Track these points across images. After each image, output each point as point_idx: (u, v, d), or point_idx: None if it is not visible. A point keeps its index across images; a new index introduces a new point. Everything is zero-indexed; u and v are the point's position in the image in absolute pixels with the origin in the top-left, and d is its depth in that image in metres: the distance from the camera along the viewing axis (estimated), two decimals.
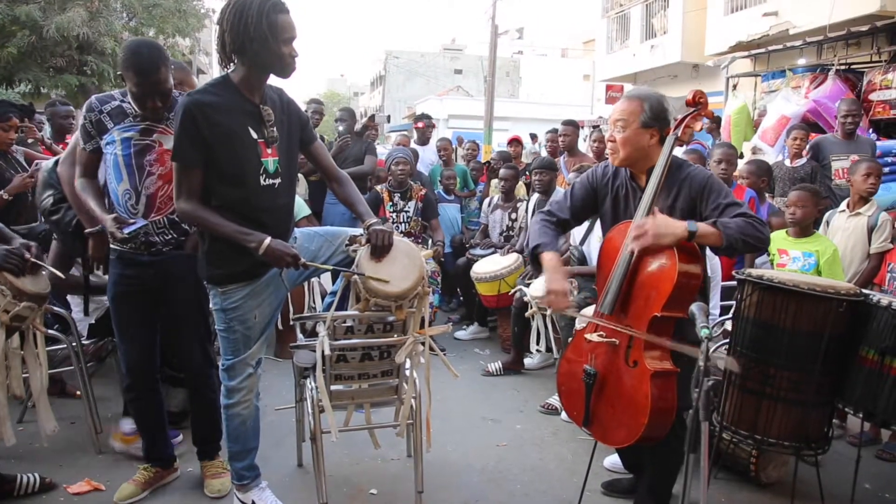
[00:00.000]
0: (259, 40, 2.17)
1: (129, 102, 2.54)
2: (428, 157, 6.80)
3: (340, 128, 5.75)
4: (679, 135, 2.36)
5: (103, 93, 2.68)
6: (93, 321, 3.34)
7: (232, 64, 2.28)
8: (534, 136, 13.59)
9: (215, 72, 31.64)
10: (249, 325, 2.42)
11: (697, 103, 2.41)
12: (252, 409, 2.53)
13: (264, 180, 2.33)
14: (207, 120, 2.20)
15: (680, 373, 2.20)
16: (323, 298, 3.56)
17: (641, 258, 2.27)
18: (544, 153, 8.49)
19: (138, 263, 2.60)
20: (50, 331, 2.98)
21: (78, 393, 3.39)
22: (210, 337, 2.82)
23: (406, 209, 5.14)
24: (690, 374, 2.20)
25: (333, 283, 2.66)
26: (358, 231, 2.54)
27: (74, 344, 3.15)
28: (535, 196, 4.96)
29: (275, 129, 2.34)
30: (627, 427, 2.24)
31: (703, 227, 2.19)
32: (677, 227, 2.18)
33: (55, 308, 3.12)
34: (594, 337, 2.34)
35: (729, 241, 2.17)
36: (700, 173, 2.37)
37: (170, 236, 2.60)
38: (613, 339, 2.30)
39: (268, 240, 2.24)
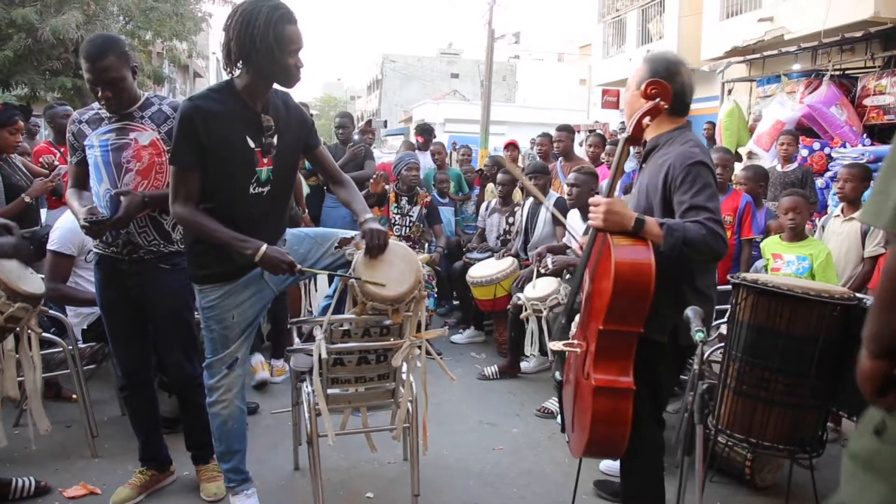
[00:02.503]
0: (265, 51, 2.15)
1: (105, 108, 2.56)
2: (426, 163, 6.82)
3: (356, 136, 5.94)
4: (631, 132, 2.09)
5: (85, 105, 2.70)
6: (85, 326, 3.34)
7: (237, 69, 2.26)
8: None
9: (212, 75, 31.63)
10: (227, 325, 2.41)
11: (651, 96, 2.11)
12: (233, 410, 2.51)
13: (253, 189, 2.32)
14: (206, 126, 2.20)
15: (659, 387, 2.15)
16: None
17: (597, 267, 2.17)
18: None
19: (118, 272, 2.60)
20: (46, 334, 2.98)
21: (74, 396, 3.38)
22: (196, 344, 2.81)
23: (411, 213, 5.28)
24: (664, 389, 2.18)
25: (330, 286, 2.66)
26: (349, 233, 2.55)
27: (71, 347, 3.14)
28: (530, 200, 4.97)
29: (274, 138, 2.34)
30: (578, 440, 2.18)
31: (650, 222, 2.01)
32: (626, 215, 2.03)
33: (51, 311, 3.12)
34: (556, 345, 2.26)
35: (668, 245, 1.97)
36: (686, 157, 2.07)
37: (152, 237, 2.59)
38: (576, 349, 2.22)
39: (264, 247, 2.23)
